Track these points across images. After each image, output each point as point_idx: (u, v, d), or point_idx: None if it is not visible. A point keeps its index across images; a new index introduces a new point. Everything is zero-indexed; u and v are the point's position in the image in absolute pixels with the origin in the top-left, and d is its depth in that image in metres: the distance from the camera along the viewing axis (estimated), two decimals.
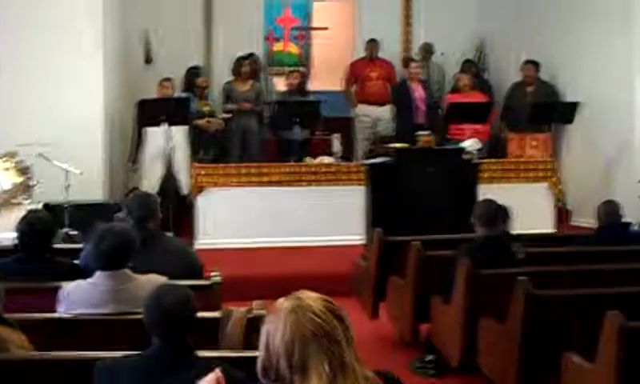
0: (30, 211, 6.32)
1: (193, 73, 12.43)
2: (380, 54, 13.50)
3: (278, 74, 14.53)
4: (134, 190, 10.78)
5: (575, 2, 12.72)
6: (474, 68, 13.81)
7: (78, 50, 11.28)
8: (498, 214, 6.88)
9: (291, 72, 13.46)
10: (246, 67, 12.54)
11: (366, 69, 13.39)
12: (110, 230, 5.17)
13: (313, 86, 13.41)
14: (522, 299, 5.82)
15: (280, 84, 13.65)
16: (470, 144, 10.78)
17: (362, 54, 13.73)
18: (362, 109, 13.31)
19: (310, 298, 2.97)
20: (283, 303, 2.95)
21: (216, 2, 14.04)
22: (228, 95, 12.46)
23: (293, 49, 15.74)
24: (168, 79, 11.92)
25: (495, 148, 12.80)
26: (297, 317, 2.90)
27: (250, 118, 12.44)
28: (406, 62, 13.58)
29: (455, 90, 13.16)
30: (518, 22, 13.71)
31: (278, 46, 15.59)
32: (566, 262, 7.11)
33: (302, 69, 14.55)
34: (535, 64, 12.83)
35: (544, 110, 12.17)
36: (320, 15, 15.64)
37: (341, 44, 15.21)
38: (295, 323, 2.89)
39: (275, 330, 2.90)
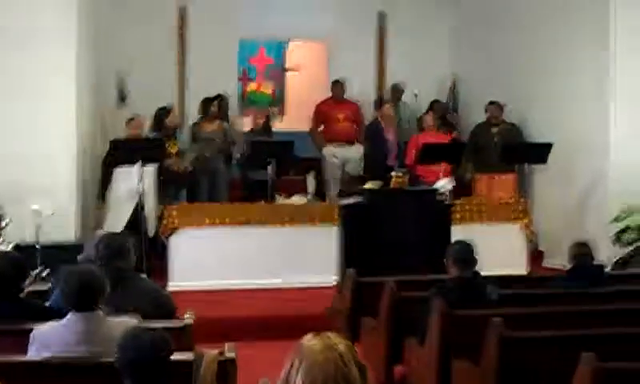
0: (0, 253, 6.26)
1: (162, 113, 12.34)
2: (353, 94, 13.56)
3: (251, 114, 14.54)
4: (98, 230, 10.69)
5: (548, 42, 12.80)
6: (443, 109, 13.88)
7: (50, 88, 11.23)
8: (472, 255, 6.88)
9: (257, 112, 13.51)
10: (214, 108, 12.53)
11: (333, 110, 13.47)
12: (75, 271, 5.13)
13: (286, 125, 13.40)
14: (496, 341, 5.82)
15: (247, 124, 13.63)
16: (443, 184, 10.82)
17: None
18: (331, 149, 13.34)
19: (341, 343, 3.00)
20: (313, 341, 2.97)
21: (190, 41, 14.07)
22: (194, 136, 12.44)
23: (267, 89, 15.76)
24: (136, 118, 11.86)
25: (459, 188, 12.80)
26: (324, 358, 2.93)
27: (218, 158, 12.43)
28: (379, 102, 13.61)
29: (421, 130, 13.18)
30: (490, 62, 13.79)
31: (251, 86, 15.60)
32: (540, 303, 7.13)
33: (268, 108, 14.56)
34: (499, 105, 12.91)
35: (516, 150, 12.24)
36: (294, 55, 15.69)
37: (314, 84, 15.24)
38: (321, 364, 2.91)
39: (299, 364, 2.93)
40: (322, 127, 13.59)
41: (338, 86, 13.56)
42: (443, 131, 13.16)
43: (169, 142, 12.02)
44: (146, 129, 12.09)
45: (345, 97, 13.62)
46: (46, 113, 11.18)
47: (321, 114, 13.61)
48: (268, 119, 13.31)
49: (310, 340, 2.97)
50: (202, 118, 12.55)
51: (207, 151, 12.29)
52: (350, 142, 13.31)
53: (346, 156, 13.27)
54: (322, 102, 13.75)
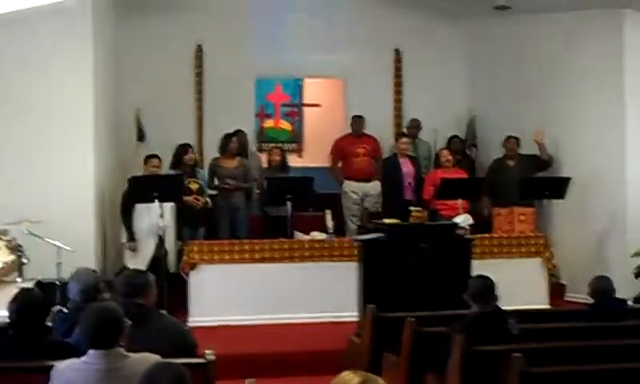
0: (22, 290, 6.27)
1: (181, 150, 12.38)
2: (371, 131, 13.58)
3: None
4: (124, 269, 10.70)
5: (563, 77, 12.83)
6: (460, 144, 13.87)
7: (70, 126, 11.34)
8: (493, 290, 6.86)
9: (272, 148, 13.51)
10: (234, 144, 12.51)
11: (352, 145, 13.47)
12: (94, 308, 5.13)
13: (304, 162, 13.39)
14: (517, 376, 5.77)
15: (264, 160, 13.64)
16: (463, 220, 10.80)
17: None
18: (350, 185, 13.34)
19: (377, 378, 3.06)
20: (353, 378, 2.99)
21: (207, 79, 14.12)
22: (214, 172, 12.44)
23: (284, 125, 15.79)
24: (155, 156, 11.87)
25: (477, 223, 12.77)
26: None
27: (238, 195, 12.41)
28: (397, 136, 13.58)
29: (438, 165, 13.18)
30: (507, 97, 13.79)
31: (269, 123, 15.64)
32: (561, 338, 7.09)
33: (288, 145, 14.59)
34: (516, 139, 12.90)
35: (534, 185, 12.22)
36: (311, 91, 15.72)
37: (332, 120, 15.26)
38: None
39: None
40: (340, 163, 13.59)
41: (357, 121, 13.58)
42: (460, 167, 13.13)
43: (189, 178, 12.07)
44: (166, 167, 12.12)
45: (364, 132, 13.62)
46: (66, 155, 11.32)
47: (339, 149, 13.62)
48: (284, 155, 13.30)
49: (350, 377, 2.99)
50: (222, 155, 12.52)
51: (226, 188, 12.28)
52: (369, 178, 13.31)
53: (365, 191, 13.26)
54: (341, 138, 13.76)
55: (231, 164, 12.44)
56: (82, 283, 6.44)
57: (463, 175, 12.80)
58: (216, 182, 12.40)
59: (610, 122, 12.22)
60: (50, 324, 6.13)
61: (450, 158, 12.91)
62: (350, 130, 13.74)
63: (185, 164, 12.16)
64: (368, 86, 14.47)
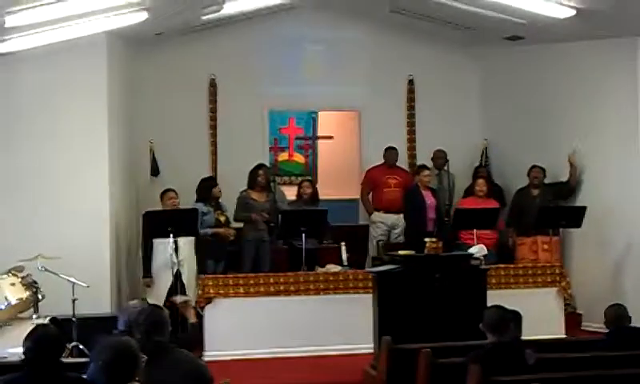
0: (37, 326, 6.26)
1: (208, 184, 12.43)
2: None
3: (285, 184, 14.58)
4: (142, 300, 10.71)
5: (581, 107, 12.84)
6: (487, 173, 13.81)
7: (84, 161, 11.43)
8: (508, 320, 6.84)
9: (303, 181, 13.46)
10: (261, 177, 12.55)
11: (383, 176, 13.48)
12: (109, 343, 5.13)
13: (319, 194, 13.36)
14: None
15: (288, 194, 13.63)
16: (477, 250, 10.77)
17: (367, 161, 13.89)
18: (379, 216, 13.38)
19: None
20: None
21: (220, 113, 14.15)
22: (246, 205, 12.43)
23: (298, 158, 15.82)
24: (172, 190, 11.90)
25: (503, 254, 12.76)
26: None
27: (264, 227, 12.45)
28: (418, 169, 13.55)
29: (470, 194, 13.18)
30: (523, 128, 13.78)
31: (283, 156, 15.67)
32: (578, 367, 7.04)
33: (310, 178, 14.61)
34: (542, 169, 12.87)
35: (550, 214, 12.20)
36: (324, 123, 15.75)
37: (346, 153, 15.29)
38: None
39: None
40: (370, 194, 13.62)
41: (390, 152, 13.58)
42: (492, 196, 13.12)
43: (216, 211, 12.17)
44: (191, 201, 12.15)
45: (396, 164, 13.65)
46: (81, 190, 11.40)
47: (371, 180, 13.65)
48: (315, 188, 13.23)
49: None
50: (251, 188, 12.53)
51: (258, 222, 12.34)
52: (399, 210, 13.29)
53: (394, 223, 13.28)
54: (373, 168, 13.76)
55: (261, 197, 12.51)
56: (130, 315, 6.43)
57: (495, 205, 12.80)
58: (245, 214, 12.39)
59: (627, 151, 12.20)
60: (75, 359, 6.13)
61: (484, 188, 12.91)
62: (370, 162, 13.79)
63: (213, 197, 12.22)
64: (382, 116, 14.49)
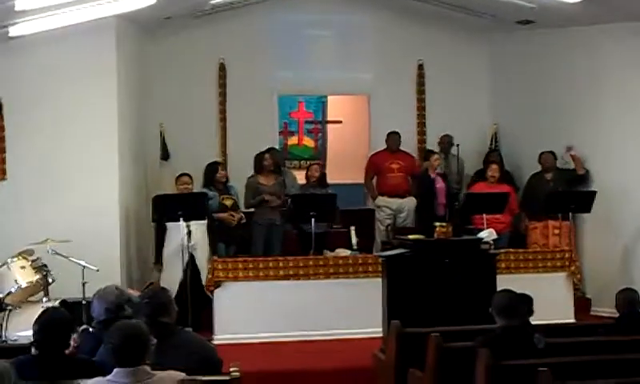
0: (47, 309, 6.29)
1: (212, 168, 12.44)
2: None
3: (294, 168, 14.57)
4: (150, 284, 10.73)
5: (590, 91, 12.81)
6: (499, 158, 13.77)
7: (94, 146, 11.43)
8: (518, 304, 6.83)
9: (312, 165, 13.47)
10: (267, 161, 12.54)
11: (387, 161, 13.41)
12: (120, 327, 5.15)
13: (328, 178, 13.37)
14: None
15: (298, 177, 13.63)
16: (487, 234, 10.75)
17: (376, 146, 13.82)
18: (383, 200, 13.32)
19: None
20: None
21: (230, 96, 14.12)
22: (254, 189, 12.43)
23: (308, 142, 15.83)
24: (187, 174, 11.89)
25: (516, 238, 12.74)
26: None
27: (274, 211, 12.44)
28: (427, 154, 13.56)
29: (482, 179, 13.18)
30: (532, 113, 13.74)
31: (292, 140, 15.69)
32: (587, 352, 7.03)
33: (319, 162, 14.56)
34: (553, 153, 12.84)
35: (560, 198, 12.19)
36: (334, 108, 15.74)
37: (355, 137, 15.27)
38: None
39: None
40: (374, 179, 13.58)
41: (392, 137, 13.50)
42: (504, 181, 13.11)
43: (222, 195, 12.16)
44: (197, 185, 12.14)
45: (400, 148, 13.60)
46: (91, 173, 11.43)
47: (374, 165, 13.60)
48: (323, 172, 13.26)
49: None
50: (258, 172, 12.53)
51: (264, 205, 12.33)
52: (403, 194, 13.27)
53: (399, 207, 13.23)
54: (376, 154, 13.72)
55: (269, 181, 12.49)
56: (107, 301, 6.45)
57: (507, 190, 12.78)
58: (258, 198, 12.37)
59: (635, 135, 12.18)
60: (74, 343, 6.13)
61: (497, 174, 12.89)
62: (378, 146, 13.72)
63: (218, 181, 12.22)
64: (391, 100, 14.45)
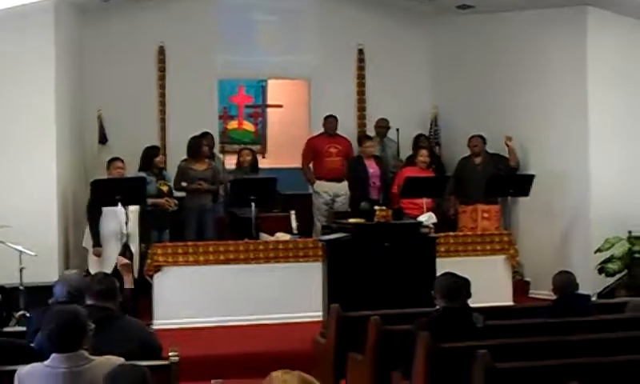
0: None
1: (151, 152, 12.33)
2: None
3: (232, 152, 14.50)
4: (87, 274, 10.61)
5: (529, 76, 12.90)
6: (427, 142, 13.84)
7: (31, 129, 11.28)
8: (460, 286, 6.87)
9: (242, 149, 13.45)
10: (206, 148, 12.48)
11: (324, 145, 13.41)
12: (56, 312, 5.10)
13: (268, 163, 13.34)
14: (482, 372, 5.79)
15: (231, 162, 13.58)
16: (427, 218, 10.82)
17: (316, 130, 13.79)
18: (321, 185, 13.30)
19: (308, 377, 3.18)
20: (281, 375, 3.03)
21: (169, 81, 14.01)
22: (184, 174, 12.35)
23: (248, 126, 15.78)
24: (118, 158, 11.68)
25: (442, 221, 12.79)
26: None
27: (206, 196, 12.35)
28: (361, 139, 13.59)
29: (411, 164, 13.19)
30: (472, 97, 13.81)
31: (232, 124, 15.62)
32: (526, 334, 7.10)
33: (251, 146, 14.50)
34: (482, 138, 12.92)
35: (499, 182, 12.29)
36: (274, 93, 15.71)
37: (296, 121, 15.26)
38: None
39: None
40: (311, 163, 13.56)
41: (330, 121, 13.49)
42: (432, 166, 13.17)
43: (159, 181, 12.05)
44: (133, 169, 12.02)
45: (337, 132, 13.59)
46: (28, 158, 11.28)
47: (311, 149, 13.57)
48: (254, 156, 13.24)
49: (279, 376, 3.04)
50: (194, 158, 12.41)
51: (200, 190, 12.23)
52: (341, 178, 13.26)
53: (337, 192, 13.22)
54: (314, 138, 13.71)
55: (201, 166, 12.37)
56: (71, 285, 6.39)
57: (430, 174, 12.82)
58: (185, 184, 12.28)
59: (573, 119, 12.31)
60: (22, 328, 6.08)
61: (427, 159, 12.93)
62: (318, 131, 13.70)
63: (155, 166, 12.13)
64: (332, 86, 14.41)
